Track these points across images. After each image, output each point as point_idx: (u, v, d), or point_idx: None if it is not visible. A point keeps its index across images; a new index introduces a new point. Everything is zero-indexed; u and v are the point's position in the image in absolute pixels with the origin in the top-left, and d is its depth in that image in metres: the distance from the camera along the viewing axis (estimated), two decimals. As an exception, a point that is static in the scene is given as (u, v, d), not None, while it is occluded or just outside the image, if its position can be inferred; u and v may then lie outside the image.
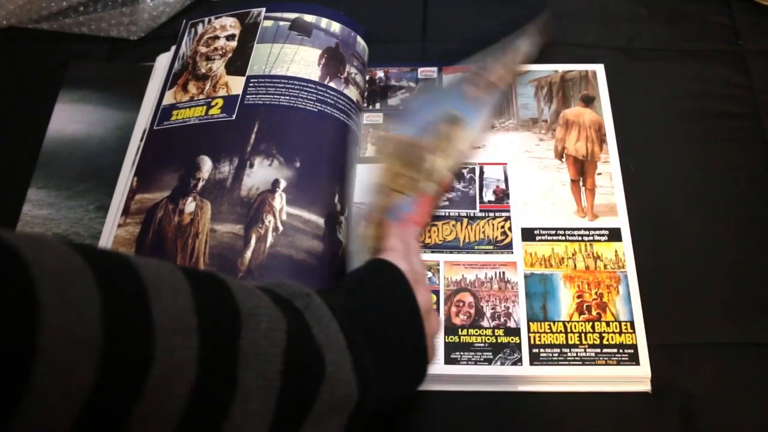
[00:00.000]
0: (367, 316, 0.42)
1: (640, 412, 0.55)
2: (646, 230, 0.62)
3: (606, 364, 0.55)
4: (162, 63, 0.71)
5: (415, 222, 0.59)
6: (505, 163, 0.66)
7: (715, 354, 0.57)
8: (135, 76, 0.71)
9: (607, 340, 0.56)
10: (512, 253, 0.61)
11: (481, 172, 0.66)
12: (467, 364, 0.56)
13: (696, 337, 0.58)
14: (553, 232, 0.62)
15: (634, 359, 0.56)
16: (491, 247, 0.62)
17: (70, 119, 0.70)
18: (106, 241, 0.61)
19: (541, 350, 0.56)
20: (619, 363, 0.56)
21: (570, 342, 0.56)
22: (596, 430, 0.54)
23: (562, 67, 0.72)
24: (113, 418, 0.27)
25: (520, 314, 0.58)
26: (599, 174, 0.65)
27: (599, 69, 0.72)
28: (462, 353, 0.56)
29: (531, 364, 0.56)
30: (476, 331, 0.57)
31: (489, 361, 0.56)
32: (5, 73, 0.73)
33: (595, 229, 0.62)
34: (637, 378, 0.55)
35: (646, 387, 0.55)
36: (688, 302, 0.59)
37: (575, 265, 0.60)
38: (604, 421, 0.54)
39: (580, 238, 0.62)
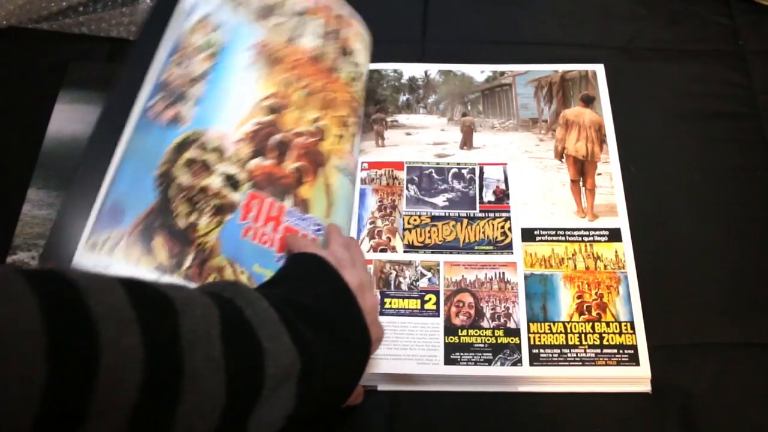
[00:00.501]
0: (297, 297, 0.43)
1: (641, 413, 0.55)
2: (646, 230, 0.62)
3: (606, 365, 0.55)
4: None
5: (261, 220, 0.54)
6: (505, 164, 0.66)
7: (715, 354, 0.57)
8: (135, 76, 0.71)
9: (607, 340, 0.56)
10: (512, 253, 0.61)
11: (481, 173, 0.66)
12: (467, 364, 0.56)
13: (696, 338, 0.58)
14: (553, 232, 0.62)
15: (634, 360, 0.56)
16: (491, 247, 0.61)
17: (70, 119, 0.70)
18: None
19: (541, 351, 0.56)
20: (619, 363, 0.56)
21: (570, 342, 0.56)
22: (597, 430, 0.54)
23: (562, 67, 0.72)
24: (71, 411, 0.28)
25: (520, 315, 0.58)
26: (599, 174, 0.65)
27: (599, 69, 0.72)
28: (462, 354, 0.56)
29: (531, 364, 0.56)
30: (476, 332, 0.57)
31: (489, 362, 0.56)
32: (5, 73, 0.73)
33: (595, 230, 0.62)
34: (637, 378, 0.55)
35: (646, 387, 0.55)
36: (688, 302, 0.59)
37: (575, 266, 0.60)
38: (605, 422, 0.54)
39: (580, 239, 0.62)
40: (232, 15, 0.60)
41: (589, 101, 0.69)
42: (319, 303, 0.44)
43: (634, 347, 0.56)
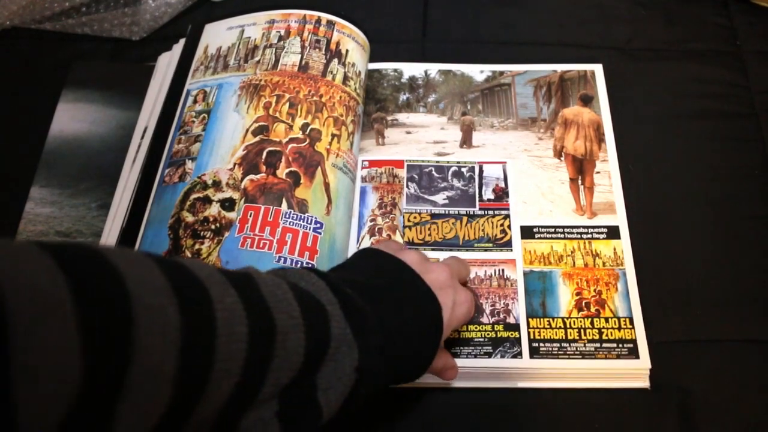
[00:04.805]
0: (352, 275, 0.45)
1: (640, 409, 0.55)
2: (644, 228, 0.63)
3: (606, 358, 0.56)
4: (164, 62, 0.72)
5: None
6: (505, 162, 0.67)
7: (713, 351, 0.58)
8: (137, 76, 0.72)
9: (607, 335, 0.57)
10: (511, 250, 0.61)
11: (481, 171, 0.66)
12: (467, 357, 0.56)
13: (694, 334, 0.58)
14: (552, 229, 0.62)
15: (633, 353, 0.56)
16: (491, 244, 0.62)
17: (73, 118, 0.70)
18: (105, 239, 0.61)
19: (541, 344, 0.57)
20: (618, 357, 0.56)
21: (569, 337, 0.57)
22: (596, 426, 0.54)
23: (560, 67, 0.72)
24: (105, 391, 0.27)
25: (519, 311, 0.58)
26: (598, 173, 0.66)
27: (598, 69, 0.72)
28: (462, 348, 0.56)
29: (531, 357, 0.56)
30: (476, 327, 0.57)
31: (489, 355, 0.56)
32: (8, 73, 0.74)
33: (593, 227, 0.62)
34: (637, 371, 0.55)
35: (645, 383, 0.56)
36: (686, 299, 0.60)
37: (574, 263, 0.61)
38: (604, 418, 0.55)
39: (578, 236, 0.62)
40: (219, 79, 0.66)
41: (587, 101, 0.70)
42: (371, 278, 0.45)
43: (634, 341, 0.56)
